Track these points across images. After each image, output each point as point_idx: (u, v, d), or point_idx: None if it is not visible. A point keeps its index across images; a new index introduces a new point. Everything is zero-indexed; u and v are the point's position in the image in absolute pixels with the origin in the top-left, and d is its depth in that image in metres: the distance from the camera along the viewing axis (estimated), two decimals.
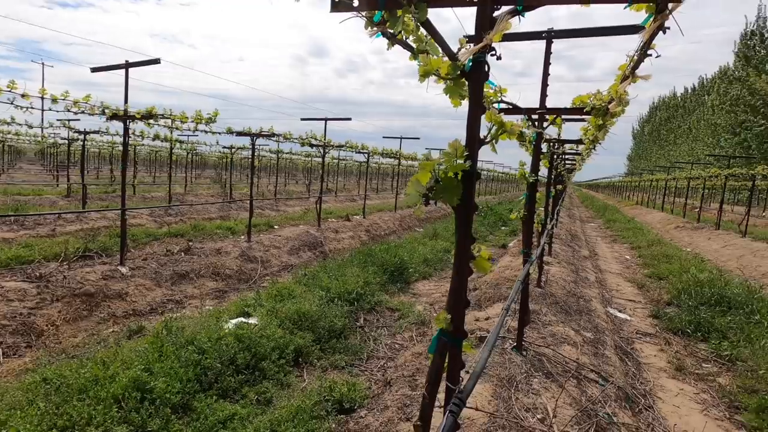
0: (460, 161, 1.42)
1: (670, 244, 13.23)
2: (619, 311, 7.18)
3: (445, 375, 1.53)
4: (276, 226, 11.87)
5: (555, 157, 8.92)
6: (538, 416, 3.27)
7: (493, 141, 1.54)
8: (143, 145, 16.92)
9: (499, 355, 4.15)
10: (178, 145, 14.72)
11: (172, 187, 20.91)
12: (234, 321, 4.86)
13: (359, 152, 12.97)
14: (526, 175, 4.21)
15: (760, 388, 4.29)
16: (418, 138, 15.18)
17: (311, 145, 10.97)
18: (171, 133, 11.89)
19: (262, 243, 9.20)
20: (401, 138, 15.27)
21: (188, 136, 18.56)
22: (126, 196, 6.75)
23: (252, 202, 9.03)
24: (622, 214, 24.91)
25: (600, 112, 3.73)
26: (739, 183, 22.90)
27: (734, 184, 23.61)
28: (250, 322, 4.81)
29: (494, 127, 1.53)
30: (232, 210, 15.10)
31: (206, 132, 8.62)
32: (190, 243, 8.46)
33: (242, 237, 9.66)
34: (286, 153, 18.50)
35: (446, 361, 1.53)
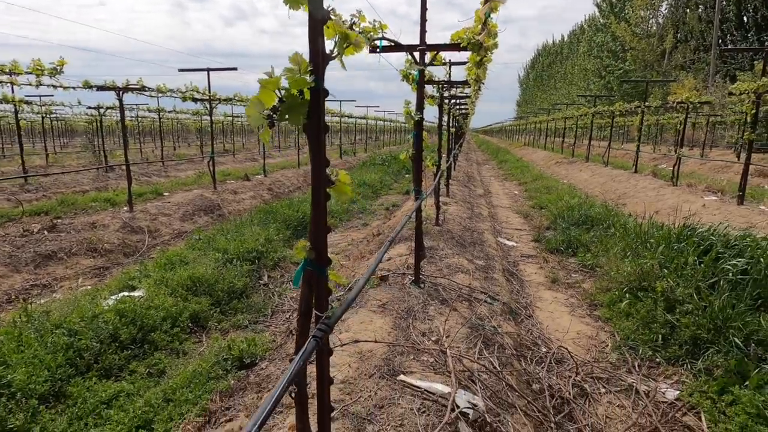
0: (305, 77, 1.31)
1: (551, 178, 14.83)
2: (508, 240, 7.95)
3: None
4: (166, 194, 10.77)
5: (446, 101, 9.22)
6: (433, 338, 3.52)
7: (341, 56, 1.45)
8: None
9: (399, 290, 4.34)
10: (25, 107, 12.24)
11: (32, 159, 17.71)
12: (115, 297, 4.38)
13: None
14: (412, 114, 4.24)
15: (612, 287, 5.11)
16: None
17: (194, 100, 9.89)
18: (12, 91, 9.82)
19: (149, 212, 8.31)
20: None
21: (40, 97, 15.60)
22: None
23: (129, 167, 7.98)
24: (512, 155, 27.18)
25: (475, 47, 3.82)
26: (603, 120, 26.17)
27: (600, 122, 26.90)
28: (134, 295, 4.37)
29: (339, 40, 1.43)
30: (111, 180, 13.34)
31: (56, 87, 7.21)
32: (57, 220, 7.31)
33: (124, 208, 8.61)
34: (170, 112, 16.55)
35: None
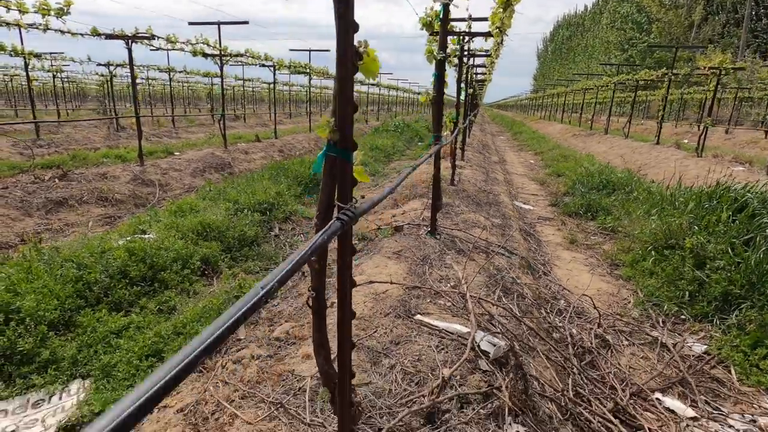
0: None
1: (568, 149, 14.40)
2: (524, 203, 7.73)
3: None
4: (177, 153, 10.65)
5: (465, 59, 8.81)
6: (450, 284, 3.39)
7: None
8: None
9: (414, 240, 4.20)
10: (35, 63, 12.04)
11: (43, 118, 17.66)
12: (125, 239, 4.30)
13: (263, 65, 11.73)
14: (435, 53, 3.99)
15: (633, 248, 4.92)
16: (327, 50, 14.12)
17: (205, 55, 9.59)
18: (21, 38, 9.60)
19: (159, 167, 8.22)
20: (310, 51, 14.09)
21: (51, 53, 15.41)
22: None
23: (139, 120, 7.84)
24: (528, 127, 26.50)
25: None
26: (624, 94, 25.25)
27: (620, 95, 25.95)
28: (145, 237, 4.29)
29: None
30: (122, 139, 13.26)
31: (63, 32, 6.96)
32: (68, 171, 7.24)
33: (134, 164, 8.51)
34: (180, 72, 16.26)
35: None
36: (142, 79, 19.81)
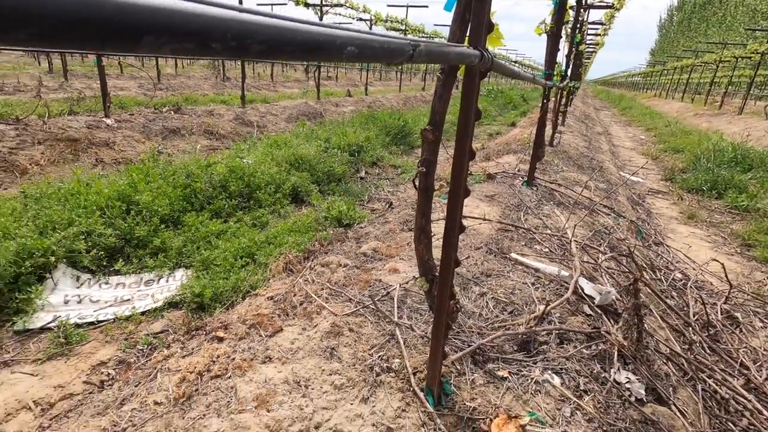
0: None
1: (689, 127, 12.55)
2: (631, 175, 6.88)
3: None
4: (273, 102, 11.17)
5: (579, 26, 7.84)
6: (548, 232, 3.08)
7: None
8: None
9: (509, 188, 3.90)
10: None
11: (164, 68, 19.63)
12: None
13: (360, 18, 11.64)
14: None
15: None
16: (426, 6, 13.58)
17: (306, 4, 9.73)
18: None
19: (258, 110, 8.65)
20: (407, 6, 13.68)
21: None
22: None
23: (243, 64, 8.24)
24: (638, 103, 23.63)
25: None
26: None
27: (764, 73, 21.83)
28: (243, 161, 4.51)
29: None
30: (227, 88, 14.20)
31: None
32: (181, 106, 7.91)
33: (237, 107, 9.05)
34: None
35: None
36: None
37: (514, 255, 2.62)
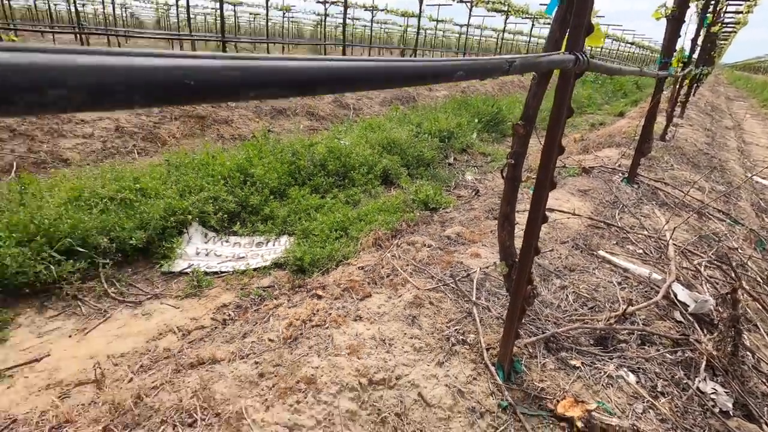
0: None
1: None
2: (764, 179, 5.99)
3: None
4: None
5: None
6: (644, 233, 2.92)
7: None
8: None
9: (605, 183, 3.71)
10: (272, 3, 14.39)
11: (274, 53, 21.34)
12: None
13: (461, 1, 11.41)
14: None
15: None
16: None
17: None
18: None
19: (354, 94, 9.06)
20: None
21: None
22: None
23: (344, 49, 8.67)
24: None
25: None
26: None
27: None
28: (340, 142, 4.86)
29: None
30: None
31: None
32: None
33: None
34: (381, 12, 17.19)
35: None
36: (350, 18, 21.72)
37: (602, 252, 2.56)
